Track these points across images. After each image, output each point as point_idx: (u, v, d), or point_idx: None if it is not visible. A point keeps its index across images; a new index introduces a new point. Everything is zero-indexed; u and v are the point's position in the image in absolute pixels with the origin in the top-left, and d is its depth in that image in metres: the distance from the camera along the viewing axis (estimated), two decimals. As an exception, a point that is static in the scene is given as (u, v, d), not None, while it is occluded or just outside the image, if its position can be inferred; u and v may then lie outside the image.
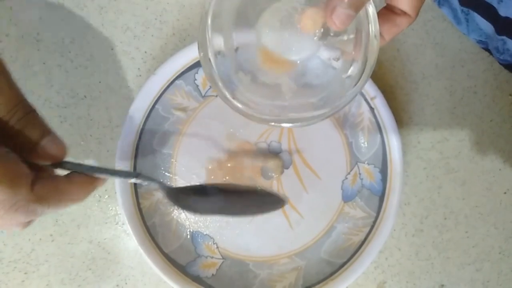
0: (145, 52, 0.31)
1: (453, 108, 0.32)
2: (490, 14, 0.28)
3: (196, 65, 0.29)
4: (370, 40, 0.18)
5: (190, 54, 0.29)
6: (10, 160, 0.16)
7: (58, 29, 0.31)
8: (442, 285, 0.30)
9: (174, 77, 0.29)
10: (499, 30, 0.28)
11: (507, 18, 0.27)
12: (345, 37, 0.19)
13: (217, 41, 0.19)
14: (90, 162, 0.31)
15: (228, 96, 0.19)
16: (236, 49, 0.20)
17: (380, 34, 0.19)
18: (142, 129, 0.29)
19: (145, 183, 0.22)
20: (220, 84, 0.19)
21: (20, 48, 0.31)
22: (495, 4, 0.27)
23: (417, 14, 0.19)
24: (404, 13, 0.19)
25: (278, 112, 0.20)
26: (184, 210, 0.23)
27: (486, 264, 0.30)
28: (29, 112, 0.17)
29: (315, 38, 0.19)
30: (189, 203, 0.23)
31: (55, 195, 0.18)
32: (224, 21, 0.19)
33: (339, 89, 0.20)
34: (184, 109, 0.30)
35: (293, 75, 0.20)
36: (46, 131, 0.18)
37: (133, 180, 0.21)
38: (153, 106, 0.29)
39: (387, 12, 0.20)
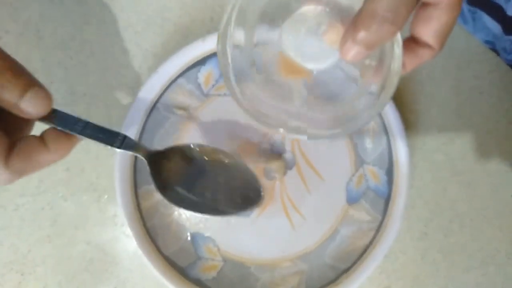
0: (146, 49, 0.31)
1: (459, 109, 0.31)
2: (498, 13, 0.28)
3: (199, 63, 0.29)
4: (390, 76, 0.18)
5: (192, 52, 0.28)
6: None
7: (58, 26, 0.31)
8: (447, 290, 0.30)
9: (176, 75, 0.29)
10: (507, 30, 0.28)
11: (515, 17, 0.26)
12: (367, 62, 0.19)
13: (238, 37, 0.19)
14: (90, 160, 0.30)
15: (238, 93, 0.19)
16: (256, 47, 0.19)
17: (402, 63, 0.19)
18: (143, 128, 0.28)
19: (130, 152, 0.21)
20: (233, 79, 0.19)
21: (19, 45, 0.31)
22: (502, 4, 0.27)
23: (441, 47, 0.19)
24: (428, 45, 0.19)
25: (284, 119, 0.20)
26: (162, 193, 0.21)
27: (491, 268, 0.30)
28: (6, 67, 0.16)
29: (336, 53, 0.18)
30: (170, 172, 0.22)
31: (30, 167, 0.17)
32: (249, 18, 0.19)
33: (351, 112, 0.20)
34: (185, 108, 0.29)
35: (307, 85, 0.20)
36: (28, 84, 0.16)
37: (117, 149, 0.20)
38: (154, 105, 0.29)
39: (410, 42, 0.20)
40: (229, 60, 0.19)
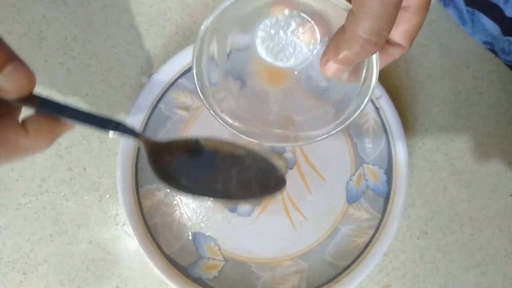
0: (148, 50, 0.31)
1: (458, 109, 0.31)
2: (496, 14, 0.28)
3: (200, 63, 0.29)
4: (369, 70, 0.18)
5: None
6: None
7: (61, 27, 0.31)
8: (447, 289, 0.30)
9: (177, 75, 0.29)
10: (505, 31, 0.28)
11: (513, 18, 0.27)
12: None
13: (212, 52, 0.19)
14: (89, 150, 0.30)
15: (217, 109, 0.19)
16: (230, 59, 0.19)
17: None
18: (145, 128, 0.28)
19: (125, 136, 0.18)
20: (211, 98, 0.19)
21: (22, 46, 0.31)
22: (501, 5, 0.27)
23: (410, 45, 0.19)
24: (398, 44, 0.19)
25: (262, 127, 0.20)
26: (165, 182, 0.18)
27: (491, 267, 0.30)
28: None
29: (310, 51, 0.19)
30: (173, 165, 0.19)
31: (5, 153, 0.15)
32: (221, 34, 0.19)
33: (325, 115, 0.20)
34: (187, 108, 0.30)
35: (284, 89, 0.20)
36: (7, 58, 0.15)
37: (111, 133, 0.17)
38: (156, 105, 0.29)
39: None
40: (206, 80, 0.19)
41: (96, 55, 0.31)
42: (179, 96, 0.29)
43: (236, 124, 0.19)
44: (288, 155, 0.30)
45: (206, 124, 0.30)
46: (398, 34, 0.19)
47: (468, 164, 0.31)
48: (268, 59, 0.19)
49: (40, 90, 0.31)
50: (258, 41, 0.19)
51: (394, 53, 0.20)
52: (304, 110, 0.20)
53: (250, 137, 0.19)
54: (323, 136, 0.19)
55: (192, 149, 0.20)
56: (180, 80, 0.29)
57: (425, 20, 0.34)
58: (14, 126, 0.16)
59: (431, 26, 0.32)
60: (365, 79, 0.18)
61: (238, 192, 0.20)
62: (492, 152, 0.31)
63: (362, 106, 0.18)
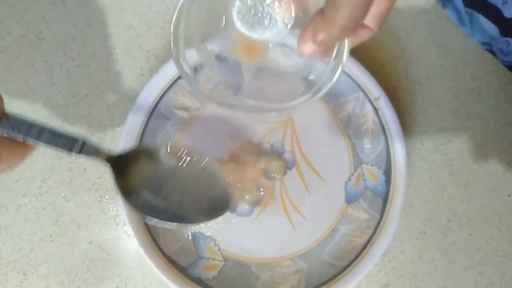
0: (148, 51, 0.31)
1: (457, 109, 0.32)
2: (495, 15, 0.28)
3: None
4: (337, 61, 0.19)
5: (194, 53, 0.29)
6: None
7: (60, 28, 0.31)
8: (446, 288, 0.30)
9: (177, 76, 0.29)
10: (504, 32, 0.28)
11: (511, 19, 0.27)
12: None
13: (190, 21, 0.19)
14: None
15: (190, 73, 0.20)
16: (206, 27, 0.20)
17: None
18: (144, 129, 0.28)
19: (89, 159, 0.19)
20: (183, 61, 0.20)
21: (22, 46, 0.31)
22: (499, 6, 0.27)
23: (379, 28, 0.20)
24: (367, 27, 0.20)
25: (235, 98, 0.20)
26: (129, 202, 0.20)
27: (489, 267, 0.30)
28: None
29: (284, 25, 0.19)
30: (137, 175, 0.20)
31: None
32: (200, 6, 0.19)
33: (296, 89, 0.20)
34: (186, 109, 0.30)
35: (257, 61, 0.20)
36: None
37: (75, 156, 0.19)
38: (156, 106, 0.29)
39: None
40: (187, 70, 0.19)
41: (96, 56, 0.31)
42: (178, 97, 0.29)
43: (209, 92, 0.20)
44: (287, 155, 0.30)
45: (205, 124, 0.30)
46: (369, 17, 0.19)
47: (467, 165, 0.31)
48: (243, 30, 0.19)
49: (40, 91, 0.31)
50: (234, 11, 0.19)
51: (363, 35, 0.20)
52: (276, 83, 0.21)
53: (222, 106, 0.20)
54: (294, 108, 0.20)
55: (154, 156, 0.21)
56: (179, 81, 0.29)
57: (424, 21, 0.34)
58: None
59: (430, 26, 0.32)
60: (335, 56, 0.19)
61: (190, 206, 0.21)
62: (491, 152, 0.31)
63: (332, 81, 0.19)
